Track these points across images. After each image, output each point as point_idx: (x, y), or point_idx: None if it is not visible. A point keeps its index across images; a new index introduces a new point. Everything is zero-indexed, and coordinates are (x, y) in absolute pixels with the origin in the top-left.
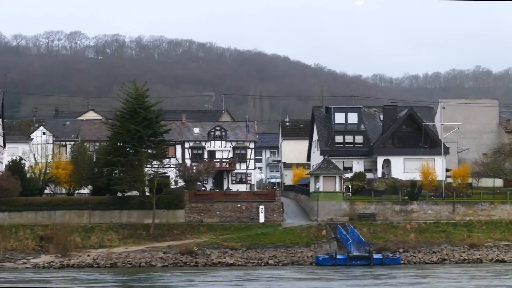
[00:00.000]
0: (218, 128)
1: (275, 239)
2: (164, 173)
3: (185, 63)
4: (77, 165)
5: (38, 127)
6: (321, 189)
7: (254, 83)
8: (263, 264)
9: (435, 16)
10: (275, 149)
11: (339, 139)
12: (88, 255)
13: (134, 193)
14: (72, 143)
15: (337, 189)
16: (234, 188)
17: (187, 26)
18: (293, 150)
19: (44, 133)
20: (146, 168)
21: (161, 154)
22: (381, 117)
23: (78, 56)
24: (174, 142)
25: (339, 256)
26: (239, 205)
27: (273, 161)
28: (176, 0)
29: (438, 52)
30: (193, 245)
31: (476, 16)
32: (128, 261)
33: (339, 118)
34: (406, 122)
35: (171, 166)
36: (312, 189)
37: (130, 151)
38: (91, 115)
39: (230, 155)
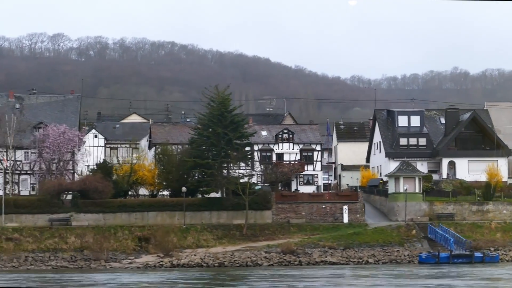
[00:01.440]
0: (285, 131)
1: (368, 238)
2: (252, 175)
3: (168, 65)
4: (164, 167)
5: (90, 130)
6: (401, 190)
7: (238, 84)
8: (363, 262)
9: (411, 17)
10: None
11: (403, 141)
12: (195, 255)
13: (213, 194)
14: (125, 145)
15: (417, 190)
16: (302, 189)
17: (166, 28)
18: (348, 152)
19: (96, 136)
20: (233, 170)
21: (247, 156)
22: (442, 119)
23: (62, 58)
24: None
25: (442, 255)
26: (323, 206)
27: (328, 163)
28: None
29: (416, 53)
30: (293, 244)
31: (452, 18)
32: (235, 260)
33: (402, 121)
34: (469, 124)
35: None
36: (391, 190)
37: (221, 153)
38: (134, 118)
39: (298, 157)
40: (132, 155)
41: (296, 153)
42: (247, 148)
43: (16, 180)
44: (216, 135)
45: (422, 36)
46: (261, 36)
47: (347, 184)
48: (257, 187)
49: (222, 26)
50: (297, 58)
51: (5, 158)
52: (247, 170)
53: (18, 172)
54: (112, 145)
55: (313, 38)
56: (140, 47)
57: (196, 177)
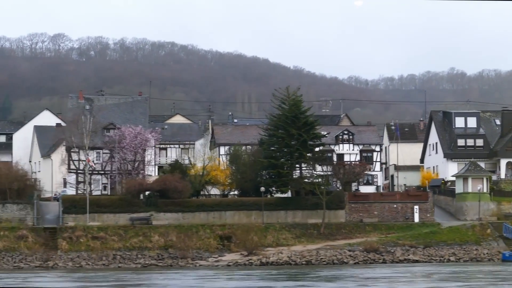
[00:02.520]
0: (346, 132)
1: (445, 237)
2: (326, 175)
3: (169, 65)
4: (237, 167)
5: None
6: (469, 190)
7: (239, 85)
8: (445, 261)
9: (408, 18)
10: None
11: (460, 142)
12: (281, 253)
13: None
14: (175, 146)
15: (485, 190)
16: (362, 190)
17: (165, 28)
18: (400, 153)
19: None
20: (307, 171)
21: (321, 157)
22: (497, 121)
23: (63, 58)
24: None
25: None
26: (395, 206)
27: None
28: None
29: (412, 54)
30: (376, 243)
31: (449, 18)
32: (321, 258)
33: (459, 122)
34: None
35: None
36: (459, 190)
37: (294, 154)
38: (178, 119)
39: (357, 158)
40: (181, 155)
41: (356, 153)
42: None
43: (89, 180)
44: (289, 136)
45: (418, 37)
46: (259, 37)
47: (404, 184)
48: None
49: (221, 26)
50: (296, 59)
51: (89, 158)
52: (320, 171)
53: (91, 172)
54: (161, 146)
55: (310, 39)
56: (140, 48)
57: (269, 177)
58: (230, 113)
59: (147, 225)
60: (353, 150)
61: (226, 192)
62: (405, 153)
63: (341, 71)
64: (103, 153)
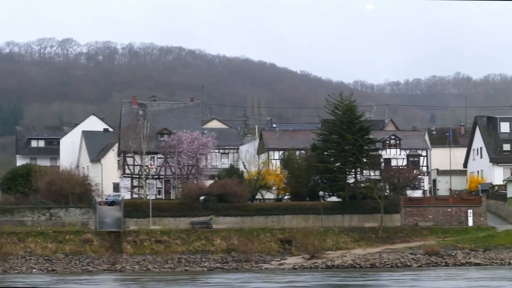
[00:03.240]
0: (393, 137)
1: (502, 241)
2: (380, 180)
3: (177, 70)
4: (292, 172)
5: None
6: None
7: (247, 89)
8: (506, 264)
9: (413, 22)
10: None
11: (506, 147)
12: (345, 256)
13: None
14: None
15: None
16: (408, 194)
17: (171, 32)
18: (441, 157)
19: None
20: (362, 175)
21: (377, 162)
22: None
23: (72, 63)
24: None
25: None
26: (449, 210)
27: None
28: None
29: (418, 59)
30: (437, 246)
31: (454, 22)
32: (385, 261)
33: (504, 127)
34: None
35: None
36: (511, 194)
37: (348, 159)
38: (214, 124)
39: (404, 163)
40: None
41: (403, 158)
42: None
43: (143, 185)
44: (345, 141)
45: (423, 41)
46: (265, 42)
47: (449, 189)
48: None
49: (226, 31)
50: (302, 63)
51: (151, 163)
52: (374, 175)
53: (145, 176)
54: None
55: (315, 43)
56: (148, 52)
57: (324, 182)
58: (268, 118)
59: (207, 229)
60: (400, 154)
61: (280, 196)
62: (447, 157)
63: (346, 76)
64: (158, 158)
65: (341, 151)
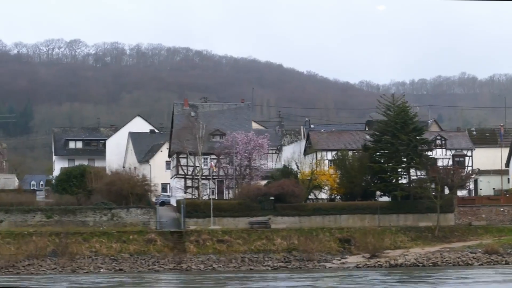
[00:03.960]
0: (438, 137)
1: None
2: (434, 179)
3: (185, 70)
4: (345, 172)
5: None
6: None
7: (255, 90)
8: None
9: (419, 23)
10: None
11: None
12: (407, 255)
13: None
14: None
15: None
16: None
17: (178, 33)
18: (482, 158)
19: None
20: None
21: (431, 162)
22: None
23: (80, 64)
24: None
25: None
26: (501, 209)
27: None
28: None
29: (423, 59)
30: (496, 245)
31: (459, 23)
32: (446, 260)
33: None
34: None
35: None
36: None
37: (402, 159)
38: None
39: (450, 163)
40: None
41: (449, 158)
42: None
43: (197, 185)
44: (399, 141)
45: (429, 41)
46: (271, 42)
47: (494, 188)
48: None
49: (233, 32)
50: (308, 64)
51: (212, 163)
52: (424, 175)
53: (198, 177)
54: None
55: (321, 43)
56: (156, 53)
57: (379, 182)
58: (306, 119)
59: (267, 229)
60: (445, 155)
61: (333, 197)
62: (488, 157)
63: (351, 76)
64: (211, 158)
65: (395, 152)
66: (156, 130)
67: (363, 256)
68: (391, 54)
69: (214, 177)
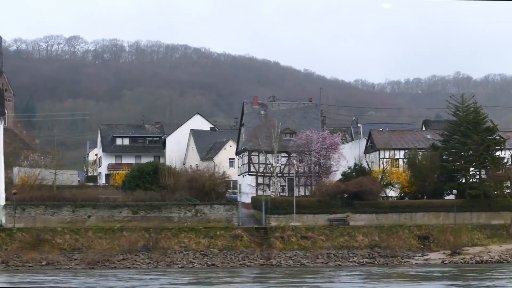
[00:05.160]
0: (498, 137)
1: None
2: (506, 178)
3: (184, 68)
4: (417, 171)
5: None
6: None
7: (254, 88)
8: None
9: (413, 21)
10: None
11: None
12: (489, 252)
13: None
14: None
15: None
16: None
17: (175, 30)
18: None
19: None
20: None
21: (503, 161)
22: None
23: (79, 61)
24: None
25: None
26: None
27: None
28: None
29: (418, 58)
30: None
31: (454, 22)
32: None
33: None
34: None
35: None
36: None
37: (474, 159)
38: None
39: (509, 162)
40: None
41: (508, 158)
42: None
43: (268, 183)
44: (471, 141)
45: (424, 40)
46: (266, 40)
47: None
48: None
49: (228, 29)
50: (304, 62)
51: (294, 161)
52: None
53: (269, 174)
54: None
55: (316, 41)
56: (154, 50)
57: (452, 181)
58: (354, 118)
59: (346, 225)
60: (504, 154)
61: (402, 195)
62: None
63: (346, 74)
64: (282, 156)
65: (466, 151)
66: (217, 128)
67: (444, 253)
68: (386, 53)
69: (285, 175)
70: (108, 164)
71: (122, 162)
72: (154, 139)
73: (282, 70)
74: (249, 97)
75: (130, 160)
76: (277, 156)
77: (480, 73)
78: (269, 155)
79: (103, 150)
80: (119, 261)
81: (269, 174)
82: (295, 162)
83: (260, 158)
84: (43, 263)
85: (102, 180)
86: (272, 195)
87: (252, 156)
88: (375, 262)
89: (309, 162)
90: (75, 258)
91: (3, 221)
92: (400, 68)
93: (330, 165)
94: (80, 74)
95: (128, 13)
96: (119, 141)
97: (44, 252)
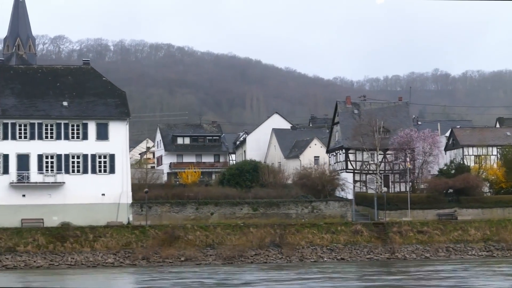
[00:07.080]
0: None
1: None
2: None
3: (170, 67)
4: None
5: None
6: None
7: (240, 86)
8: None
9: (392, 18)
10: None
11: None
12: None
13: None
14: None
15: None
16: None
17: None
18: None
19: None
20: None
21: None
22: None
23: (68, 61)
24: None
25: None
26: None
27: None
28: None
29: (396, 56)
30: None
31: (432, 20)
32: None
33: None
34: None
35: None
36: None
37: None
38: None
39: None
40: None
41: None
42: None
43: (364, 179)
44: None
45: (401, 38)
46: (249, 38)
47: None
48: None
49: (208, 27)
50: (285, 60)
51: (408, 159)
52: None
53: (366, 171)
54: None
55: (295, 39)
56: (139, 49)
57: None
58: (414, 116)
59: (455, 220)
60: None
61: (499, 190)
62: None
63: (324, 72)
64: (379, 154)
65: None
66: (297, 127)
67: None
68: (364, 50)
69: (380, 172)
70: (170, 163)
71: (184, 161)
72: (214, 137)
73: (265, 68)
74: (236, 95)
75: (191, 159)
76: (373, 154)
77: (458, 69)
78: (364, 153)
79: (165, 150)
80: (252, 256)
81: (366, 171)
82: (408, 160)
83: (357, 155)
84: (182, 259)
85: (164, 178)
86: (377, 192)
87: (350, 154)
88: (494, 255)
89: (409, 159)
90: (209, 254)
91: (131, 218)
92: (379, 65)
93: (431, 161)
94: None
95: (91, 10)
96: (179, 140)
97: (181, 249)
